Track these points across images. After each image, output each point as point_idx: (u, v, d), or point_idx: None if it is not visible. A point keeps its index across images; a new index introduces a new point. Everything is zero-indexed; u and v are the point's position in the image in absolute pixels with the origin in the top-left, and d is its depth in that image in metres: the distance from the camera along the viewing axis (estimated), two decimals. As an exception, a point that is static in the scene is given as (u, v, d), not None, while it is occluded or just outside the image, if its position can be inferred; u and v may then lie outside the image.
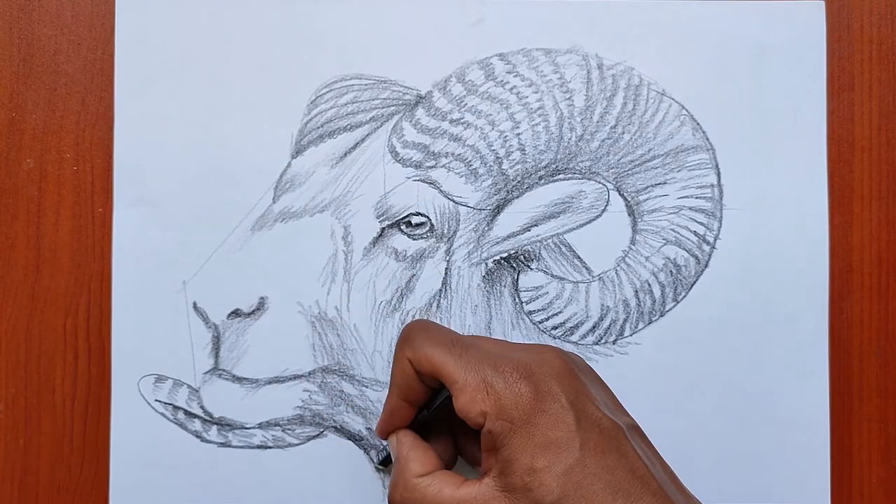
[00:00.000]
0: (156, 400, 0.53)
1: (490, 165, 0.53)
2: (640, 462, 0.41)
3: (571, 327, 0.53)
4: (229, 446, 0.53)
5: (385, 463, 0.52)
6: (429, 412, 0.47)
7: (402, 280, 0.53)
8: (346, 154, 0.53)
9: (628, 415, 0.44)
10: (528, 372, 0.42)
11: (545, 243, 0.53)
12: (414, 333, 0.46)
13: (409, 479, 0.44)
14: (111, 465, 0.53)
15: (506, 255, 0.53)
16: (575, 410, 0.41)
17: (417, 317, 0.53)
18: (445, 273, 0.53)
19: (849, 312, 0.55)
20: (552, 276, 0.53)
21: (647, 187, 0.53)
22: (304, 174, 0.53)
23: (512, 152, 0.53)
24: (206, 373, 0.53)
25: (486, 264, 0.53)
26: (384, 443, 0.52)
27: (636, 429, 0.43)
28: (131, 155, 0.53)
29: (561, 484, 0.39)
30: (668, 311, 0.54)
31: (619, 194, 0.53)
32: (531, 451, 0.40)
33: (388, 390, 0.48)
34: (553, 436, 0.40)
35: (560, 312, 0.53)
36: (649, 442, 0.44)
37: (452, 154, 0.53)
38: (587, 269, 0.53)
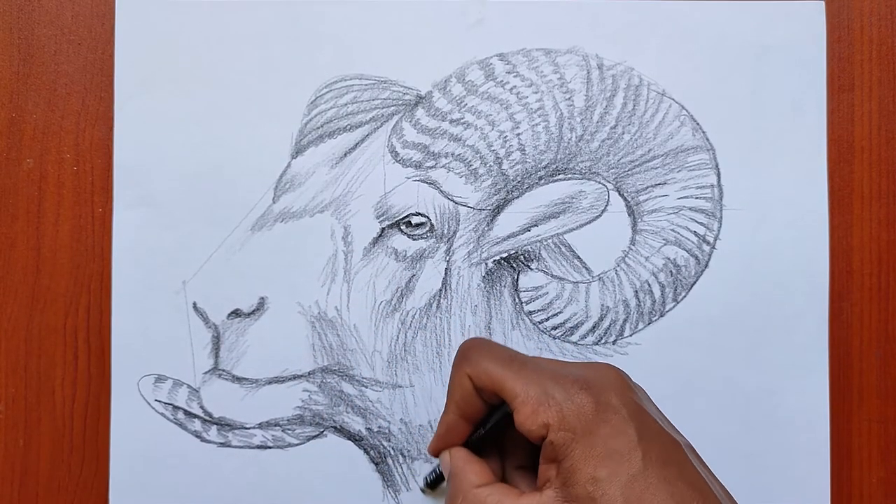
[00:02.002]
0: (156, 400, 0.53)
1: (490, 165, 0.53)
2: (699, 476, 0.41)
3: (571, 327, 0.53)
4: (229, 446, 0.53)
5: (434, 485, 0.52)
6: (484, 429, 0.47)
7: (401, 280, 0.53)
8: (346, 154, 0.53)
9: (681, 434, 0.44)
10: (588, 384, 0.42)
11: (545, 243, 0.53)
12: (472, 350, 0.46)
13: (468, 490, 0.45)
14: (111, 464, 0.53)
15: (506, 255, 0.53)
16: (636, 422, 0.42)
17: (417, 317, 0.53)
18: (445, 273, 0.53)
19: (849, 312, 0.55)
20: (552, 276, 0.53)
21: (647, 187, 0.53)
22: (304, 174, 0.53)
23: (512, 152, 0.53)
24: (205, 373, 0.53)
25: (486, 264, 0.53)
26: (434, 462, 0.52)
27: (691, 447, 0.44)
28: (131, 155, 0.53)
29: (624, 494, 0.40)
30: (667, 312, 0.54)
31: (619, 194, 0.53)
32: (594, 462, 0.40)
33: (444, 409, 0.48)
34: (615, 446, 0.41)
35: (560, 312, 0.53)
36: (703, 461, 0.44)
37: (452, 154, 0.53)
38: (587, 269, 0.53)
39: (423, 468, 0.53)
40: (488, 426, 0.47)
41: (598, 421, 0.41)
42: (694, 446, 0.44)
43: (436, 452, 0.49)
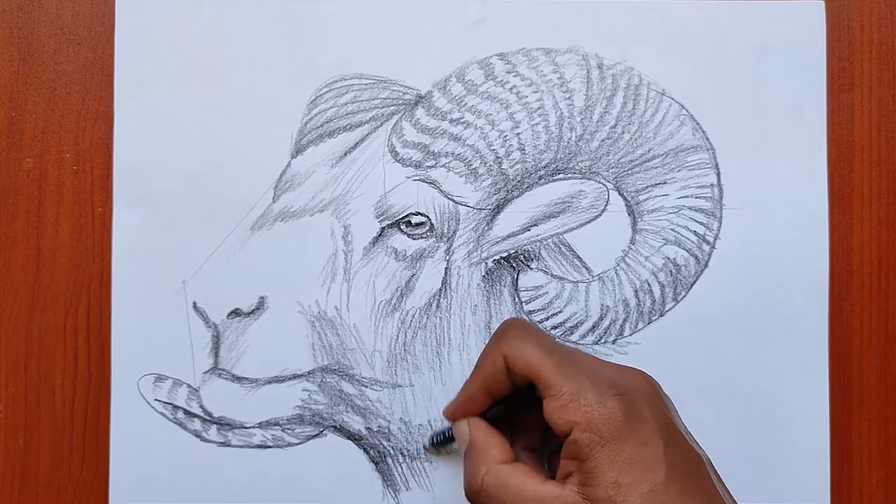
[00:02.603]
0: (155, 399, 0.53)
1: (490, 165, 0.53)
2: (716, 492, 0.42)
3: (571, 327, 0.53)
4: (229, 446, 0.53)
5: (439, 445, 0.52)
6: (508, 408, 0.47)
7: (401, 280, 0.53)
8: (346, 154, 0.53)
9: (703, 449, 0.45)
10: (622, 391, 0.43)
11: (545, 243, 0.53)
12: (514, 331, 0.47)
13: (492, 464, 0.45)
14: (111, 464, 0.53)
15: (506, 254, 0.53)
16: (664, 435, 0.42)
17: (417, 316, 0.53)
18: (445, 273, 0.53)
19: (849, 312, 0.55)
20: (552, 275, 0.53)
21: (647, 187, 0.53)
22: (304, 174, 0.53)
23: (512, 152, 0.53)
24: (205, 372, 0.53)
25: (486, 264, 0.53)
26: (444, 424, 0.52)
27: (710, 462, 0.44)
28: (131, 155, 0.53)
29: (645, 502, 0.40)
30: (667, 311, 0.54)
31: (619, 194, 0.53)
32: (618, 467, 0.41)
33: (470, 375, 0.49)
34: (642, 455, 0.41)
35: (560, 312, 0.53)
36: (720, 477, 0.44)
37: (452, 154, 0.53)
38: (587, 268, 0.53)
39: (424, 467, 0.53)
40: (511, 407, 0.47)
41: (626, 429, 0.42)
42: None
43: (452, 417, 0.49)
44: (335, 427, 0.53)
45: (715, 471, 0.44)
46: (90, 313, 0.54)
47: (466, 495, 0.46)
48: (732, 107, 0.54)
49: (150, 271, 0.53)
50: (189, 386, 0.53)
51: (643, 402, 0.43)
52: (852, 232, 0.55)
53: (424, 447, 0.53)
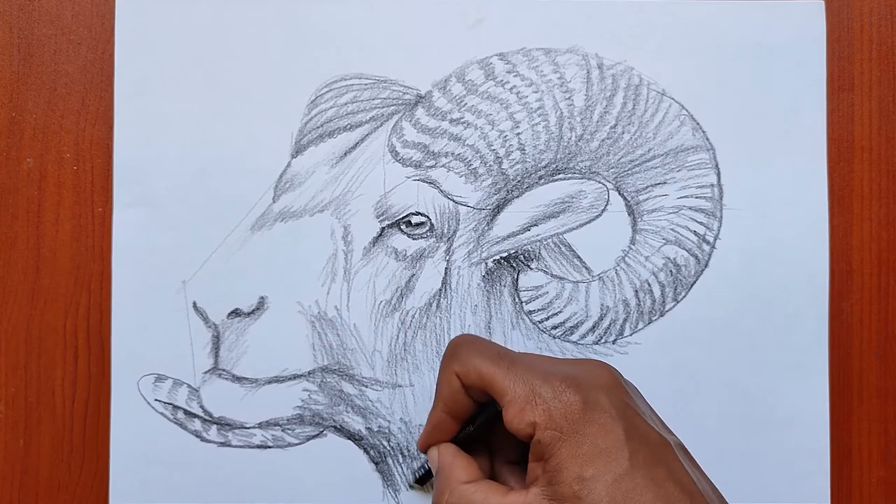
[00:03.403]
0: (156, 399, 0.53)
1: (490, 165, 0.53)
2: (688, 477, 0.41)
3: (571, 327, 0.53)
4: (229, 446, 0.53)
5: (422, 481, 0.52)
6: (473, 427, 0.47)
7: (401, 280, 0.53)
8: (346, 154, 0.53)
9: (673, 433, 0.44)
10: (577, 383, 0.43)
11: (545, 243, 0.53)
12: (461, 347, 0.46)
13: (454, 485, 0.45)
14: (111, 464, 0.53)
15: (506, 254, 0.53)
16: (623, 422, 0.42)
17: (417, 316, 0.53)
18: (445, 273, 0.53)
19: (849, 312, 0.55)
20: (552, 275, 0.53)
21: (647, 187, 0.53)
22: (304, 174, 0.53)
23: (512, 152, 0.53)
24: (205, 372, 0.53)
25: (486, 264, 0.53)
26: (422, 458, 0.52)
27: (682, 447, 0.44)
28: (131, 155, 0.53)
29: (610, 492, 0.40)
30: (667, 311, 0.54)
31: (619, 194, 0.53)
32: (580, 460, 0.41)
33: (432, 406, 0.48)
34: (602, 445, 0.41)
35: (560, 312, 0.53)
36: (695, 460, 0.44)
37: (452, 154, 0.53)
38: (587, 268, 0.53)
39: (424, 467, 0.53)
40: (476, 425, 0.47)
41: (585, 420, 0.41)
42: (694, 446, 0.44)
43: (424, 448, 0.49)
44: (335, 427, 0.53)
45: (689, 456, 0.43)
46: (90, 313, 0.54)
47: None
48: (732, 107, 0.54)
49: (150, 271, 0.53)
50: (189, 386, 0.53)
51: (600, 391, 0.42)
52: (852, 232, 0.55)
53: (409, 485, 0.53)
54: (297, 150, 0.53)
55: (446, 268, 0.53)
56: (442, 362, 0.47)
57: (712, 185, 0.54)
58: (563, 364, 0.45)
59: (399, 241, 0.53)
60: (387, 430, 0.53)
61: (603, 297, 0.53)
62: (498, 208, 0.53)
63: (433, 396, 0.52)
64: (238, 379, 0.53)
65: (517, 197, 0.53)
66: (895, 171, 0.55)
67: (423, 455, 0.52)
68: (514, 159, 0.53)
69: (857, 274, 0.55)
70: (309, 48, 0.54)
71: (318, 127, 0.53)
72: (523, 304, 0.53)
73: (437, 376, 0.52)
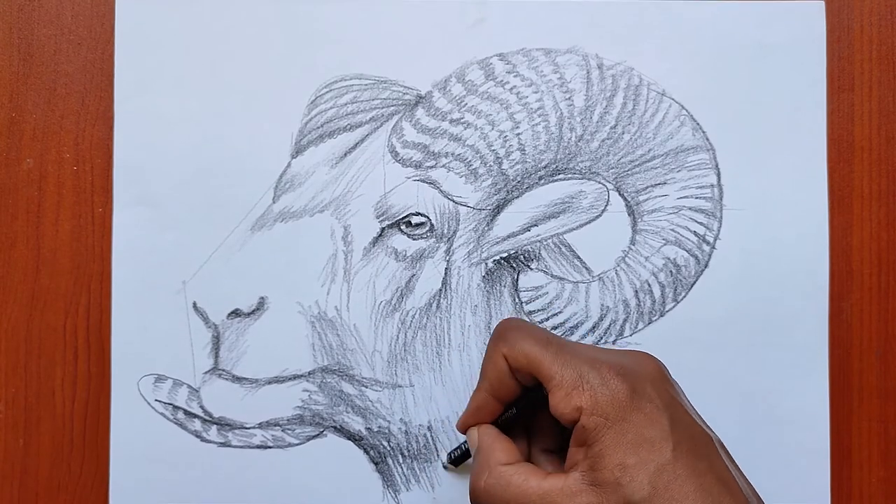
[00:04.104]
0: (156, 400, 0.53)
1: (490, 165, 0.53)
2: (727, 472, 0.41)
3: (571, 327, 0.53)
4: (229, 446, 0.53)
5: (457, 461, 0.52)
6: (516, 410, 0.47)
7: (401, 280, 0.53)
8: (346, 154, 0.53)
9: (713, 431, 0.44)
10: (624, 372, 0.43)
11: (545, 243, 0.53)
12: (510, 330, 0.46)
13: (494, 466, 0.45)
14: (111, 464, 0.53)
15: (506, 255, 0.53)
16: (669, 413, 0.42)
17: (417, 317, 0.53)
18: (445, 273, 0.53)
19: (849, 312, 0.55)
20: (552, 276, 0.53)
21: (647, 187, 0.53)
22: (304, 174, 0.53)
23: (512, 152, 0.53)
24: (205, 373, 0.53)
25: (486, 264, 0.53)
26: (460, 439, 0.52)
27: (721, 443, 0.44)
28: (131, 155, 0.53)
29: (652, 481, 0.40)
30: (667, 312, 0.54)
31: (619, 194, 0.53)
32: (624, 448, 0.41)
33: (476, 385, 0.48)
34: (647, 434, 0.41)
35: (560, 312, 0.53)
36: (732, 458, 0.44)
37: (452, 154, 0.53)
38: (587, 269, 0.53)
39: (424, 467, 0.53)
40: (520, 408, 0.47)
41: (631, 408, 0.41)
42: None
43: (464, 429, 0.49)
44: (335, 427, 0.53)
45: (727, 453, 0.44)
46: (90, 313, 0.54)
47: (470, 498, 0.46)
48: (732, 107, 0.54)
49: (150, 271, 0.53)
50: (189, 386, 0.53)
51: (647, 381, 0.43)
52: (852, 232, 0.55)
53: (443, 464, 0.53)
54: (297, 151, 0.53)
55: (446, 268, 0.53)
56: (489, 344, 0.47)
57: (712, 185, 0.54)
58: (611, 353, 0.45)
59: (399, 241, 0.53)
60: (387, 431, 0.53)
61: (603, 297, 0.53)
62: (498, 208, 0.53)
63: (432, 397, 0.53)
64: (238, 379, 0.53)
65: (517, 197, 0.53)
66: (895, 171, 0.55)
67: (461, 437, 0.52)
68: (514, 159, 0.53)
69: (857, 274, 0.55)
70: (309, 48, 0.54)
71: (318, 127, 0.53)
72: (523, 304, 0.53)
73: (436, 377, 0.52)
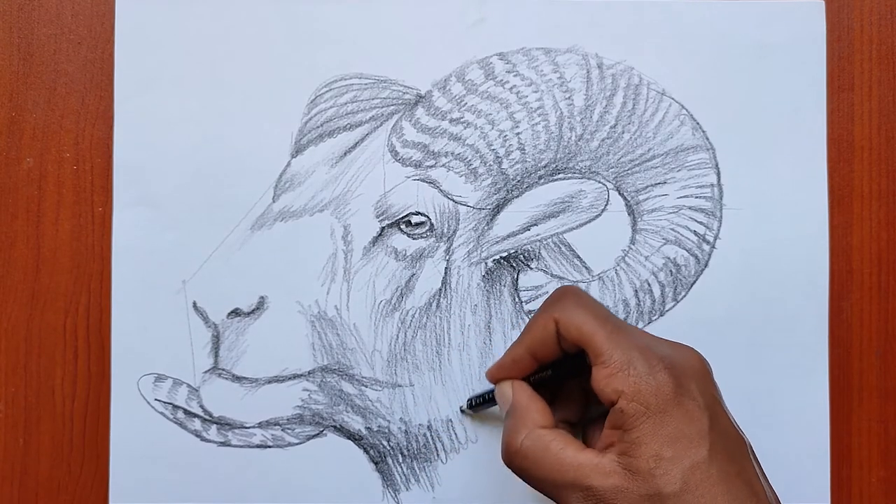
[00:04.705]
0: (155, 399, 0.53)
1: (490, 165, 0.53)
2: (756, 479, 0.42)
3: (571, 327, 0.53)
4: (229, 445, 0.53)
5: (477, 408, 0.52)
6: (554, 373, 0.47)
7: (401, 279, 0.53)
8: (345, 153, 0.53)
9: (745, 435, 0.44)
10: (672, 365, 0.43)
11: (545, 243, 0.53)
12: (568, 297, 0.46)
13: (532, 427, 0.45)
14: (111, 464, 0.53)
15: (505, 254, 0.53)
16: (709, 413, 0.42)
17: (417, 316, 0.53)
18: (445, 272, 0.53)
19: (849, 312, 0.55)
20: (552, 275, 0.53)
21: (647, 187, 0.53)
22: (304, 173, 0.53)
23: (512, 152, 0.53)
24: (205, 372, 0.53)
25: (486, 264, 0.53)
26: (484, 386, 0.52)
27: (752, 449, 0.44)
28: (131, 155, 0.53)
29: (684, 477, 0.40)
30: (667, 311, 0.54)
31: (619, 194, 0.53)
32: (661, 440, 0.41)
33: (516, 339, 0.48)
34: (686, 431, 0.41)
35: (560, 312, 0.53)
36: (760, 465, 0.44)
37: (452, 153, 0.53)
38: (587, 268, 0.53)
39: (424, 467, 0.53)
40: (557, 373, 0.47)
41: (673, 403, 0.41)
42: None
43: (494, 380, 0.49)
44: (335, 427, 0.53)
45: (756, 459, 0.44)
46: (90, 313, 0.54)
47: (503, 456, 0.45)
48: (732, 107, 0.54)
49: (150, 271, 0.53)
50: (189, 386, 0.53)
51: (692, 378, 0.43)
52: (852, 232, 0.55)
53: (461, 409, 0.53)
54: (297, 150, 0.53)
55: (446, 267, 0.53)
56: (543, 305, 0.47)
57: (712, 184, 0.54)
58: (662, 344, 0.45)
59: (399, 240, 0.53)
60: (386, 430, 0.53)
61: (603, 296, 0.53)
62: (498, 208, 0.53)
63: (432, 396, 0.53)
64: (238, 378, 0.53)
65: (517, 197, 0.53)
66: (895, 171, 0.55)
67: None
68: (513, 159, 0.53)
69: (857, 274, 0.55)
70: (309, 48, 0.54)
71: (318, 127, 0.53)
72: (523, 303, 0.53)
73: (436, 376, 0.52)
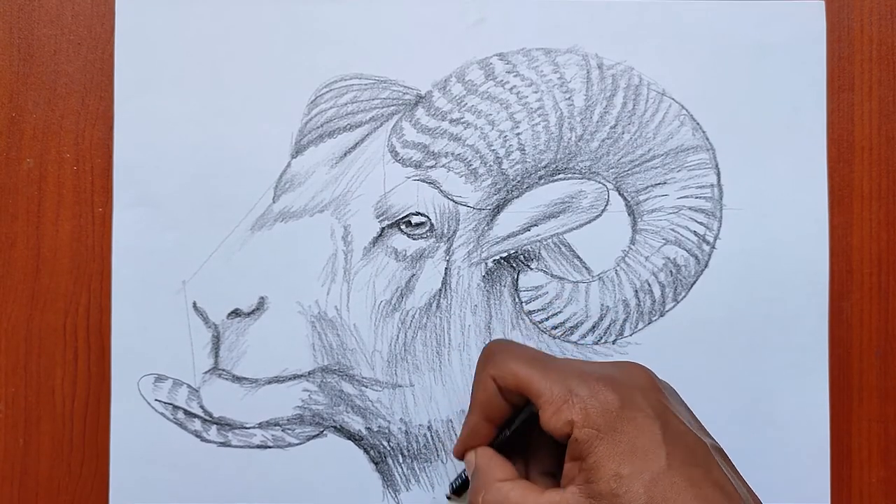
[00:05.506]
0: (156, 399, 0.53)
1: (490, 165, 0.53)
2: (726, 479, 0.41)
3: (571, 327, 0.53)
4: (229, 446, 0.53)
5: (459, 490, 0.52)
6: (509, 431, 0.47)
7: (401, 280, 0.53)
8: (345, 154, 0.53)
9: (711, 437, 0.44)
10: (613, 382, 0.43)
11: (545, 243, 0.53)
12: (496, 352, 0.46)
13: (491, 483, 0.44)
14: (111, 464, 0.53)
15: (506, 254, 0.53)
16: (661, 421, 0.42)
17: (417, 316, 0.53)
18: (445, 273, 0.53)
19: (849, 312, 0.55)
20: (552, 275, 0.53)
21: (647, 187, 0.53)
22: (304, 174, 0.53)
23: (512, 152, 0.53)
24: (205, 372, 0.53)
25: (486, 264, 0.53)
26: (459, 468, 0.52)
27: (720, 450, 0.44)
28: (131, 155, 0.53)
29: (648, 491, 0.39)
30: (667, 311, 0.54)
31: (619, 194, 0.53)
32: (618, 458, 0.40)
33: (468, 411, 0.48)
34: (639, 444, 0.41)
35: (560, 312, 0.53)
36: (732, 464, 0.44)
37: (452, 154, 0.53)
38: (587, 268, 0.53)
39: (424, 467, 0.53)
40: (513, 427, 0.47)
41: (622, 418, 0.41)
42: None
43: (460, 455, 0.48)
44: (335, 427, 0.53)
45: (726, 459, 0.43)
46: (90, 313, 0.54)
47: None
48: (732, 107, 0.54)
49: (150, 271, 0.53)
50: (189, 386, 0.53)
51: (637, 390, 0.43)
52: (852, 232, 0.55)
53: (447, 496, 0.53)
54: (297, 151, 0.53)
55: (446, 268, 0.53)
56: (477, 367, 0.47)
57: (712, 185, 0.54)
58: (598, 366, 0.45)
59: (399, 241, 0.53)
60: (387, 431, 0.53)
61: (603, 297, 0.53)
62: (498, 208, 0.53)
63: (432, 397, 0.53)
64: (238, 379, 0.53)
65: (517, 197, 0.53)
66: (895, 171, 0.55)
67: (459, 466, 0.52)
68: (514, 159, 0.53)
69: (857, 274, 0.55)
70: (309, 48, 0.54)
71: (318, 127, 0.53)
72: (523, 304, 0.53)
73: (436, 377, 0.52)
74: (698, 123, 0.54)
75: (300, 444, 0.53)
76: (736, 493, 0.41)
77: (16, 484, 0.54)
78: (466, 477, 0.50)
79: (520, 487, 0.44)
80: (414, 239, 0.53)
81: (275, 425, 0.53)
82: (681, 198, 0.53)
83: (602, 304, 0.53)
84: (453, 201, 0.53)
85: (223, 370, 0.53)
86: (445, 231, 0.53)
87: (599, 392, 0.42)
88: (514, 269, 0.53)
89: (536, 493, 0.43)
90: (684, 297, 0.54)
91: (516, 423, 0.47)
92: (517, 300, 0.53)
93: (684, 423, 0.43)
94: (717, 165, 0.54)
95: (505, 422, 0.47)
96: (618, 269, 0.54)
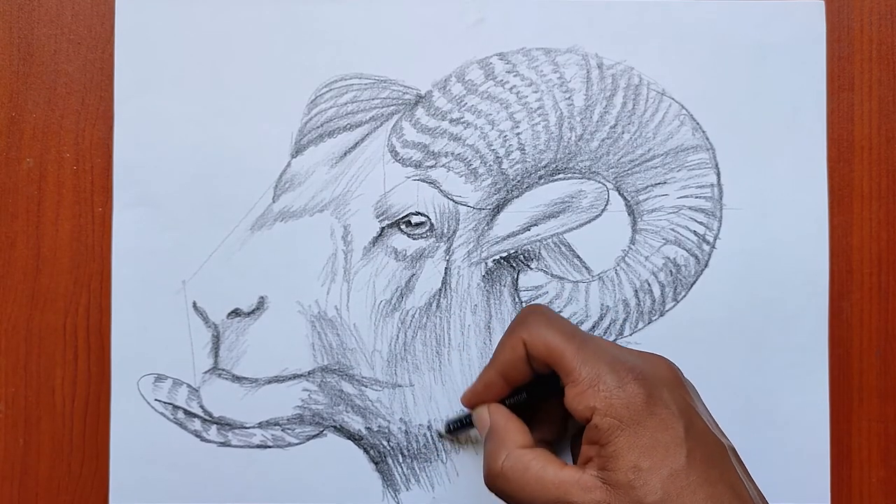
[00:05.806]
0: (155, 399, 0.53)
1: (490, 165, 0.53)
2: (739, 482, 0.42)
3: (571, 327, 0.53)
4: (229, 446, 0.53)
5: (456, 431, 0.52)
6: (527, 396, 0.47)
7: (401, 279, 0.53)
8: (345, 154, 0.53)
9: (727, 437, 0.45)
10: (642, 376, 0.43)
11: (545, 243, 0.53)
12: (533, 317, 0.46)
13: (512, 449, 0.45)
14: (111, 464, 0.53)
15: (505, 254, 0.53)
16: (684, 420, 0.42)
17: (417, 316, 0.53)
18: (445, 272, 0.53)
19: (849, 312, 0.55)
20: (552, 275, 0.53)
21: (647, 187, 0.53)
22: (304, 174, 0.53)
23: (512, 152, 0.53)
24: (205, 372, 0.53)
25: (486, 264, 0.53)
26: (458, 410, 0.52)
27: (734, 451, 0.44)
28: (131, 155, 0.53)
29: (664, 486, 0.40)
30: (667, 311, 0.54)
31: (619, 194, 0.53)
32: (637, 451, 0.41)
33: (488, 362, 0.48)
34: (661, 439, 0.41)
35: (560, 312, 0.53)
36: (745, 466, 0.44)
37: (452, 153, 0.53)
38: (587, 268, 0.53)
39: (424, 467, 0.53)
40: (532, 394, 0.47)
41: (646, 413, 0.42)
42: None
43: (470, 405, 0.49)
44: (335, 427, 0.53)
45: (740, 461, 0.44)
46: (90, 313, 0.54)
47: (485, 479, 0.46)
48: (732, 107, 0.54)
49: (150, 271, 0.53)
50: (189, 386, 0.53)
51: (663, 387, 0.43)
52: (852, 232, 0.55)
53: (439, 433, 0.53)
54: (297, 150, 0.53)
55: (446, 267, 0.53)
56: (510, 326, 0.47)
57: (712, 184, 0.54)
58: (630, 354, 0.45)
59: (399, 240, 0.53)
60: (387, 430, 0.53)
61: (603, 296, 0.53)
62: (498, 208, 0.53)
63: (432, 396, 0.53)
64: (238, 379, 0.53)
65: (517, 197, 0.53)
66: (895, 171, 0.55)
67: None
68: (513, 159, 0.53)
69: (857, 274, 0.55)
70: (309, 48, 0.54)
71: (318, 127, 0.53)
72: (523, 303, 0.53)
73: (436, 376, 0.52)
74: (698, 123, 0.54)
75: (300, 443, 0.53)
76: (748, 495, 0.41)
77: (16, 484, 0.54)
78: (468, 421, 0.50)
79: (541, 458, 0.44)
80: (414, 239, 0.53)
81: (275, 425, 0.53)
82: (681, 197, 0.53)
83: (602, 304, 0.53)
84: (453, 201, 0.53)
85: (223, 370, 0.53)
86: (445, 231, 0.53)
87: (627, 384, 0.42)
88: (514, 268, 0.53)
89: (556, 466, 0.43)
90: (684, 296, 0.54)
91: (537, 392, 0.47)
92: (517, 300, 0.53)
93: (706, 423, 0.43)
94: (717, 165, 0.54)
95: (520, 385, 0.47)
96: (618, 268, 0.53)
